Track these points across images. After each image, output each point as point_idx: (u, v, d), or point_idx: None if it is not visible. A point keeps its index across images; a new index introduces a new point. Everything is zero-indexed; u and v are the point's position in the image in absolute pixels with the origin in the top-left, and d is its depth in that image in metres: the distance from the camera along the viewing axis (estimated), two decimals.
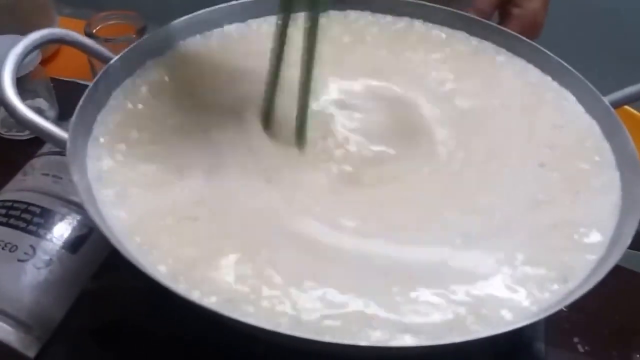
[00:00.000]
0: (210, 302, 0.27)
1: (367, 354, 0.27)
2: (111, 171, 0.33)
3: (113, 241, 0.27)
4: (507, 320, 0.28)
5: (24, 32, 0.59)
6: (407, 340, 0.26)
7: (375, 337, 0.27)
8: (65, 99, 0.60)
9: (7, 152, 0.58)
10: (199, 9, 0.43)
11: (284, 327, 0.26)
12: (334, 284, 0.29)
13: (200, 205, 0.32)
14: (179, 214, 0.31)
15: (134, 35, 0.59)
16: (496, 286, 0.30)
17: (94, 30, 0.58)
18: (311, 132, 0.36)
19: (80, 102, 0.34)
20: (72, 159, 0.31)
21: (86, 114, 0.34)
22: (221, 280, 0.28)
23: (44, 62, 0.57)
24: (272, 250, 0.30)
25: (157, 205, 0.31)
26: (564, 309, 0.45)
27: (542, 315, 0.28)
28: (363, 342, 0.26)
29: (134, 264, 0.26)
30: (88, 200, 0.29)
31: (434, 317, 0.28)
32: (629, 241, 0.30)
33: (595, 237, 0.32)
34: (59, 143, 0.32)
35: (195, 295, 0.27)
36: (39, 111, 0.59)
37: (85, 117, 0.34)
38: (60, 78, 0.61)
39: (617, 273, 0.44)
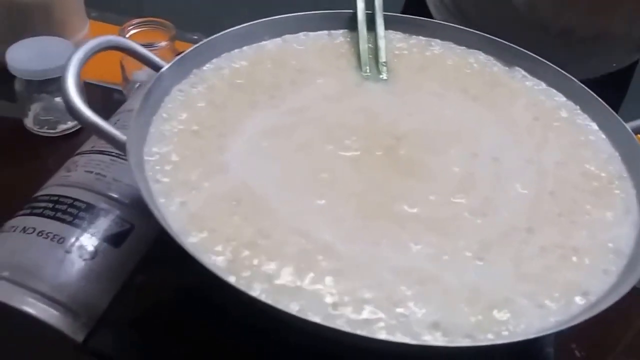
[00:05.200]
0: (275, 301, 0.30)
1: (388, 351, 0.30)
2: (166, 172, 0.36)
3: (177, 239, 0.30)
4: (533, 329, 0.31)
5: (57, 34, 0.63)
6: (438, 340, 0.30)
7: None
8: (95, 101, 0.64)
9: (39, 149, 0.61)
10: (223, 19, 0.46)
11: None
12: None
13: (255, 199, 0.35)
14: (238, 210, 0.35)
15: (166, 42, 0.63)
16: (519, 296, 0.33)
17: (127, 36, 0.62)
18: None
19: (137, 107, 0.37)
20: (131, 159, 0.34)
21: (141, 119, 0.37)
22: (283, 278, 0.31)
23: None
24: None
25: (211, 203, 0.35)
26: None
27: (562, 327, 0.31)
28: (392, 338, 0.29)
29: (200, 262, 0.29)
30: (149, 198, 0.32)
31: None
32: None
33: (614, 258, 0.36)
34: (119, 145, 0.35)
35: (256, 292, 0.30)
36: None
37: (140, 122, 0.37)
38: (90, 81, 0.64)
39: None
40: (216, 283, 0.31)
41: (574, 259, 0.35)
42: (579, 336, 0.47)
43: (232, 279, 0.30)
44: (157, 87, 0.40)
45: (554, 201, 0.39)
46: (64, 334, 0.37)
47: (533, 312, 0.32)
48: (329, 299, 0.31)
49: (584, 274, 0.35)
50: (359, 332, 0.28)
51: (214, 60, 0.45)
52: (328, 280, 0.32)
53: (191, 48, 0.43)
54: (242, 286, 0.30)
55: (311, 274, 0.32)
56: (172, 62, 0.41)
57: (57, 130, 0.62)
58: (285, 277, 0.32)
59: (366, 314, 0.30)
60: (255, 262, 0.32)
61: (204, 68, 0.44)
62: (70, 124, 0.62)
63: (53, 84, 0.60)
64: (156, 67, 0.41)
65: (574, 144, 0.44)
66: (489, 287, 0.33)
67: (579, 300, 0.34)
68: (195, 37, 0.74)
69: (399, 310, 0.31)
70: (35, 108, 0.61)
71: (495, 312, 0.32)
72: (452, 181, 0.39)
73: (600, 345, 0.48)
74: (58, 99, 0.62)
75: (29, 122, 0.62)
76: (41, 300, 0.37)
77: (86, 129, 0.36)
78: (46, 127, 0.61)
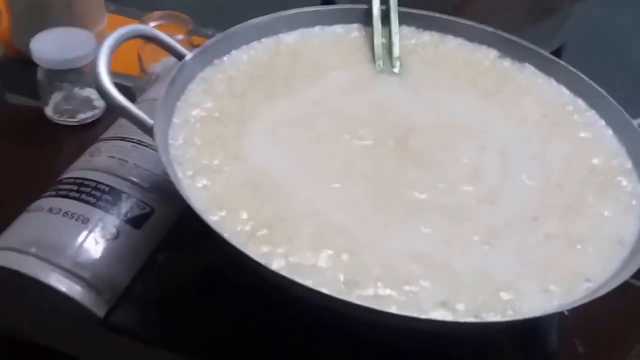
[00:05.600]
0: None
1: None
2: (190, 155, 0.39)
3: (201, 215, 0.32)
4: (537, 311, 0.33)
5: (77, 25, 0.65)
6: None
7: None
8: None
9: (58, 137, 0.64)
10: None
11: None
12: None
13: (272, 182, 0.38)
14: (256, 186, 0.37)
15: (184, 35, 0.65)
16: (524, 280, 0.35)
17: None
18: None
19: (163, 94, 0.39)
20: (159, 142, 0.36)
21: (166, 105, 0.40)
22: (298, 256, 0.33)
23: None
24: None
25: (231, 185, 0.37)
26: (566, 312, 0.51)
27: (566, 307, 0.33)
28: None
29: (221, 237, 0.32)
30: (175, 178, 0.35)
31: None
32: None
33: (617, 248, 0.38)
34: (146, 129, 0.37)
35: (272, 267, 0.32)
36: (89, 99, 0.65)
37: (165, 108, 0.40)
38: None
39: None
40: (235, 260, 0.33)
41: (578, 247, 0.37)
42: (583, 332, 0.50)
43: (251, 253, 0.32)
44: (181, 75, 0.42)
45: (559, 193, 0.41)
46: (86, 308, 0.39)
47: (537, 296, 0.34)
48: (341, 277, 0.33)
49: (587, 261, 0.37)
50: (369, 304, 0.30)
51: (234, 52, 0.47)
52: (341, 259, 0.34)
53: (213, 39, 0.46)
54: (260, 259, 0.32)
55: (325, 253, 0.34)
56: (195, 51, 0.43)
57: (76, 119, 0.64)
58: (301, 254, 0.34)
59: (377, 290, 0.32)
60: (272, 240, 0.34)
61: (224, 58, 0.46)
62: (89, 114, 0.65)
63: (74, 73, 0.62)
64: (180, 56, 0.43)
65: (581, 140, 0.46)
66: (495, 270, 0.35)
67: (582, 285, 0.36)
68: (210, 32, 0.76)
69: (409, 288, 0.33)
70: (55, 97, 0.64)
71: (500, 294, 0.34)
72: (460, 171, 0.41)
73: (604, 343, 0.51)
74: (78, 89, 0.64)
75: (49, 111, 0.64)
76: (66, 276, 0.39)
77: (115, 112, 0.38)
78: (66, 116, 0.64)
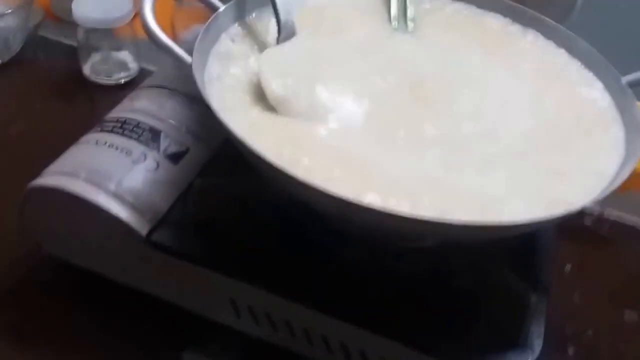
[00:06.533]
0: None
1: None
2: (225, 91, 0.44)
3: (239, 137, 0.38)
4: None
5: None
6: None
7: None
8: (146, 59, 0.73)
9: (95, 94, 0.70)
10: None
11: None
12: None
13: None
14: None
15: None
16: (513, 199, 0.41)
17: None
18: None
19: (198, 39, 0.45)
20: (197, 78, 0.42)
21: (202, 48, 0.46)
22: (318, 172, 0.38)
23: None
24: None
25: (264, 116, 0.43)
26: (567, 268, 0.57)
27: (555, 216, 0.38)
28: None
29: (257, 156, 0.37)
30: (214, 107, 0.40)
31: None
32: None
33: (597, 180, 0.43)
34: (185, 65, 0.43)
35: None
36: (124, 63, 0.71)
37: (201, 50, 0.45)
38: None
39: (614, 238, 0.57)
40: (262, 182, 0.39)
41: (563, 178, 0.43)
42: (581, 285, 0.55)
43: (277, 164, 0.37)
44: (214, 24, 0.48)
45: (550, 135, 0.46)
46: (131, 227, 0.45)
47: (524, 211, 0.40)
48: (355, 189, 0.39)
49: (570, 189, 0.42)
50: (377, 207, 0.36)
51: (263, 8, 0.53)
52: (355, 174, 0.40)
53: None
54: (284, 169, 0.37)
55: (342, 170, 0.40)
56: (227, 5, 0.50)
57: (112, 79, 0.70)
58: (320, 171, 0.39)
59: (385, 200, 0.38)
60: (296, 157, 0.40)
61: (253, 15, 0.52)
62: (123, 74, 0.71)
63: (111, 36, 0.69)
64: (214, 8, 0.49)
65: (575, 94, 0.51)
66: (487, 191, 0.40)
67: (563, 206, 0.41)
68: None
69: (413, 200, 0.39)
70: (94, 58, 0.70)
71: (491, 207, 0.39)
72: (462, 113, 0.47)
73: (601, 295, 0.56)
74: (114, 52, 0.71)
75: (87, 70, 0.71)
76: (112, 198, 0.45)
77: (158, 48, 0.44)
78: (102, 76, 0.70)
